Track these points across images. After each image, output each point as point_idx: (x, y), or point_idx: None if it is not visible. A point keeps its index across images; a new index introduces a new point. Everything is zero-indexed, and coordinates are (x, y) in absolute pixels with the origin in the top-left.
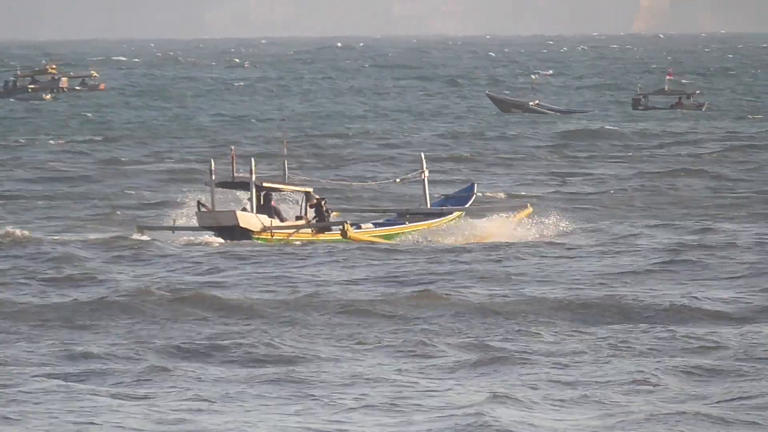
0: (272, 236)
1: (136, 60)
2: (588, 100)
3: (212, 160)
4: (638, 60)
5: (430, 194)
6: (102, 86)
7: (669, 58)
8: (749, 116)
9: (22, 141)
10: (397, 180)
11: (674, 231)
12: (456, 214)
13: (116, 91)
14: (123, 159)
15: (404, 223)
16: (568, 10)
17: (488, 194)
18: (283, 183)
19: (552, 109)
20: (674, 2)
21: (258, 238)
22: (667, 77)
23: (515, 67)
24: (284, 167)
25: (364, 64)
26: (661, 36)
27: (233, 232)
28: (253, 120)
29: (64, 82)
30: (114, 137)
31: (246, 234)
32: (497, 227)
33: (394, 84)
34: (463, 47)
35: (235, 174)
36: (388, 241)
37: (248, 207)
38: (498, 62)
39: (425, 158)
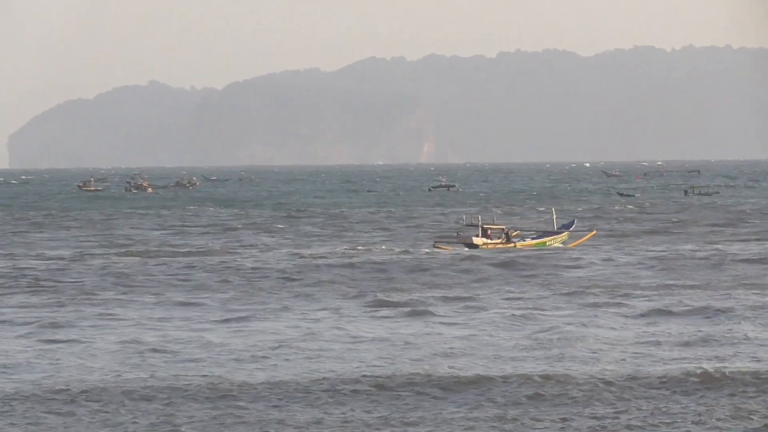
0: (487, 247)
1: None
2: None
3: (464, 216)
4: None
5: (549, 224)
6: (197, 183)
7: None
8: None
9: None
10: (544, 218)
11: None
12: (566, 233)
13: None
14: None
15: (543, 237)
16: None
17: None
18: (492, 224)
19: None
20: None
21: (479, 248)
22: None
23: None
24: (493, 217)
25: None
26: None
27: (471, 245)
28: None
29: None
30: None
31: (476, 246)
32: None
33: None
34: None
35: (472, 222)
36: (537, 246)
37: (479, 234)
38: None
39: (555, 212)
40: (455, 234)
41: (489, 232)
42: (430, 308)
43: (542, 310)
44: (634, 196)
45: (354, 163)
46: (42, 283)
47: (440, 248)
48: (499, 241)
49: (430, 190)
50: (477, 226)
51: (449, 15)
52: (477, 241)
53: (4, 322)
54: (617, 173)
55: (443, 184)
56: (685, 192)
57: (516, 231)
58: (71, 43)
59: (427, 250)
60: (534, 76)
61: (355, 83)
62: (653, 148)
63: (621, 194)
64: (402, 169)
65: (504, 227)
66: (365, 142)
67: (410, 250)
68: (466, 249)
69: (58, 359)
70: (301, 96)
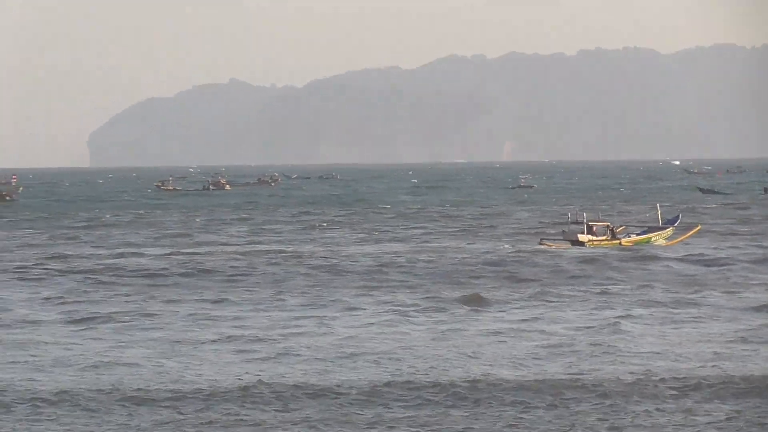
0: (592, 244)
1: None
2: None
3: (569, 213)
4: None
5: (653, 218)
6: (279, 180)
7: (526, 173)
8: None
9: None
10: (647, 214)
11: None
12: (671, 228)
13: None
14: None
15: (648, 233)
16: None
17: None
18: (597, 220)
19: None
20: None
21: (584, 244)
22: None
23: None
24: (598, 215)
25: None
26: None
27: (576, 242)
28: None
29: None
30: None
31: (581, 243)
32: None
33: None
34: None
35: (577, 219)
36: (642, 243)
37: (584, 231)
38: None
39: (659, 207)
40: (561, 231)
41: (594, 228)
42: (518, 307)
43: (629, 307)
44: (717, 192)
45: (432, 161)
46: (128, 280)
47: (546, 245)
48: (604, 237)
49: (511, 188)
50: (582, 223)
51: (531, 12)
52: (582, 238)
53: (98, 316)
54: (703, 170)
55: (522, 184)
56: (765, 189)
57: (621, 227)
58: (153, 41)
59: (534, 247)
60: (614, 73)
61: (434, 81)
62: (736, 146)
63: (703, 191)
64: (487, 167)
65: (609, 224)
66: (443, 140)
67: (510, 246)
68: (572, 246)
69: (163, 357)
70: (380, 94)
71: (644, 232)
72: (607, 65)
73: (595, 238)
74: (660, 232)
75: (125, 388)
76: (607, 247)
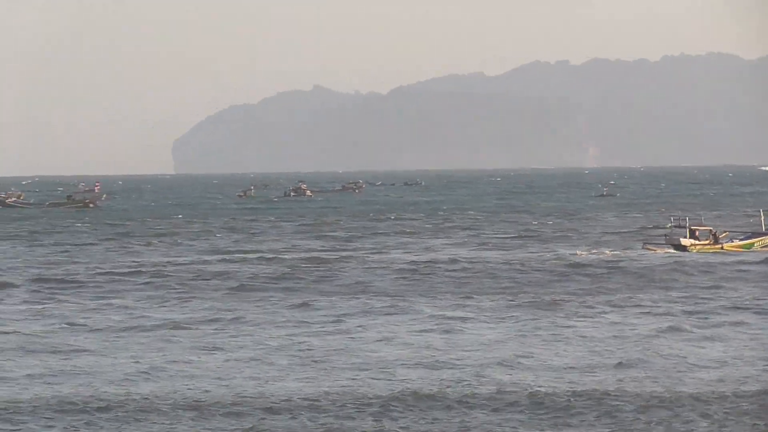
0: (695, 248)
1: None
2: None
3: (671, 217)
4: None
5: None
6: (363, 186)
7: (614, 175)
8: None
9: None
10: (751, 220)
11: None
12: None
13: None
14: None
15: (750, 238)
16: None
17: None
18: (700, 225)
19: None
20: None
21: (687, 249)
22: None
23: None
24: (701, 219)
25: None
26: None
27: (679, 246)
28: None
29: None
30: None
31: (684, 247)
32: None
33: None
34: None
35: (680, 223)
36: (745, 249)
37: (687, 235)
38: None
39: (763, 212)
40: (663, 235)
41: (697, 233)
42: (605, 311)
43: (718, 312)
44: None
45: (516, 166)
46: (216, 283)
47: (649, 249)
48: (706, 242)
49: (596, 196)
50: (685, 227)
51: (614, 18)
52: (685, 242)
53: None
54: None
55: (605, 194)
56: None
57: (725, 232)
58: (236, 48)
59: (633, 251)
60: (698, 79)
61: (519, 87)
62: None
63: None
64: (573, 173)
65: (712, 228)
66: (527, 146)
67: (608, 251)
68: (674, 250)
69: (264, 363)
70: (463, 100)
71: (747, 237)
72: (691, 71)
73: (697, 242)
74: (763, 238)
75: (230, 393)
76: (709, 252)
